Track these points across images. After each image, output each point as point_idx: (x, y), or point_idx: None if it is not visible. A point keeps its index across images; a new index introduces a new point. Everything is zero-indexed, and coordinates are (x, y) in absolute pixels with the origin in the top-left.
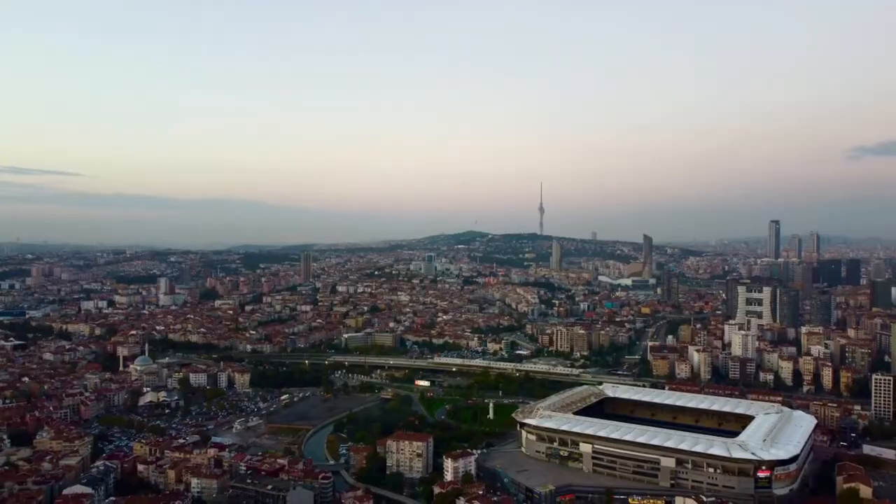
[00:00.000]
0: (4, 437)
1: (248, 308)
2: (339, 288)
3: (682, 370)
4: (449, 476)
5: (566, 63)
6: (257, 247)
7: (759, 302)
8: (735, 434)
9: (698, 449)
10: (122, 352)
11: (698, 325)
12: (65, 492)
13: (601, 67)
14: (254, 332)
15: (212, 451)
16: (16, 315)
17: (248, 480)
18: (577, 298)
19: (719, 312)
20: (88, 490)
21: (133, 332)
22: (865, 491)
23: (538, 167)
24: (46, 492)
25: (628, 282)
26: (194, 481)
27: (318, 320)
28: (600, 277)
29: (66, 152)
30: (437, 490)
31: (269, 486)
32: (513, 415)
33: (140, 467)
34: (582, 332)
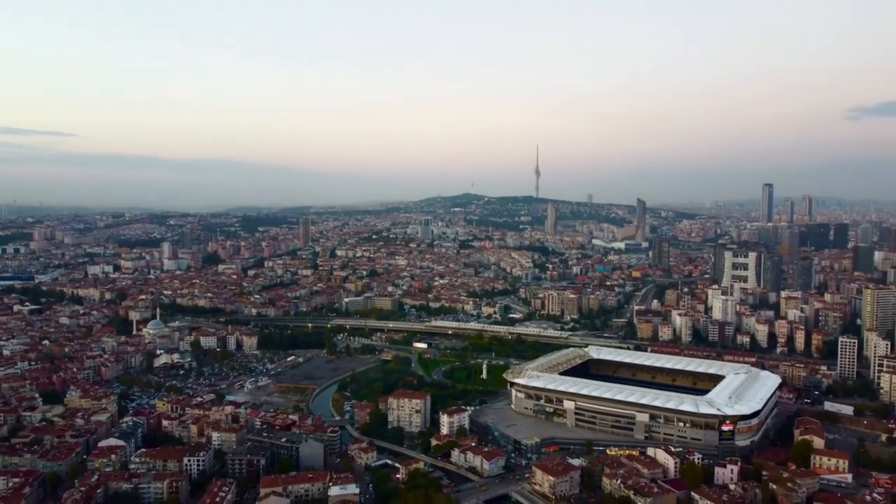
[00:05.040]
0: (37, 395)
1: (250, 273)
2: (338, 252)
3: (664, 333)
4: (445, 430)
5: (564, 24)
6: (255, 209)
7: (745, 266)
8: (706, 392)
9: (670, 405)
10: (134, 316)
11: (685, 290)
12: (100, 444)
13: (598, 29)
14: (258, 297)
15: (229, 408)
16: (25, 280)
17: (264, 434)
18: (570, 262)
19: (707, 276)
20: (121, 443)
21: (142, 296)
22: (818, 442)
23: (535, 129)
24: (83, 444)
25: (621, 245)
26: (215, 435)
27: (319, 284)
28: (594, 241)
29: (61, 113)
30: (434, 442)
31: (284, 439)
32: (504, 375)
33: (165, 423)
34: (572, 296)
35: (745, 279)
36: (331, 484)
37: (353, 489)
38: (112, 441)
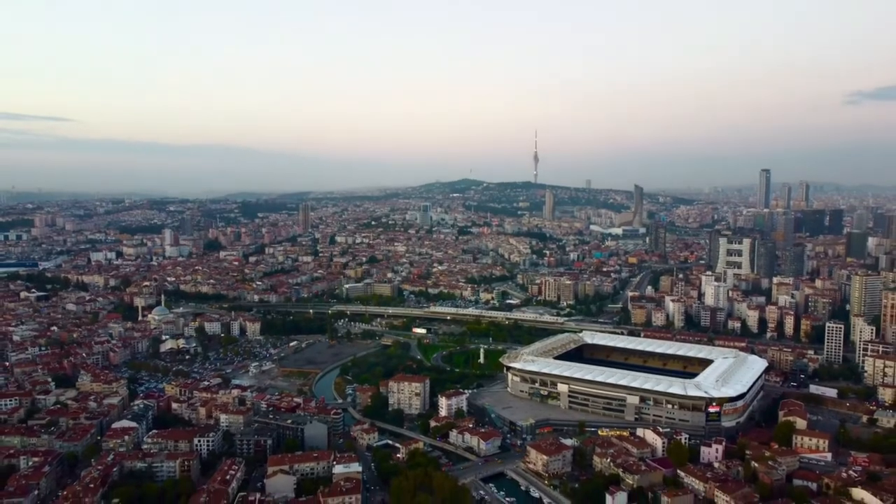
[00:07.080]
0: (49, 380)
1: (251, 259)
2: (338, 238)
3: (658, 319)
4: (443, 412)
5: (561, 10)
6: (254, 195)
7: (739, 253)
8: (695, 376)
9: (659, 388)
10: (139, 302)
11: (680, 276)
12: (113, 426)
13: (598, 15)
14: (260, 283)
15: (235, 392)
16: (29, 266)
17: (270, 416)
18: (567, 248)
19: (703, 262)
20: (133, 424)
21: (146, 283)
22: (801, 423)
23: (534, 115)
24: (97, 426)
25: (619, 231)
26: (223, 417)
27: (320, 271)
28: (592, 227)
29: (58, 98)
30: (433, 424)
31: (289, 421)
32: (500, 359)
33: (174, 405)
34: (568, 282)
35: (739, 265)
36: (335, 463)
37: (355, 468)
38: (125, 423)
